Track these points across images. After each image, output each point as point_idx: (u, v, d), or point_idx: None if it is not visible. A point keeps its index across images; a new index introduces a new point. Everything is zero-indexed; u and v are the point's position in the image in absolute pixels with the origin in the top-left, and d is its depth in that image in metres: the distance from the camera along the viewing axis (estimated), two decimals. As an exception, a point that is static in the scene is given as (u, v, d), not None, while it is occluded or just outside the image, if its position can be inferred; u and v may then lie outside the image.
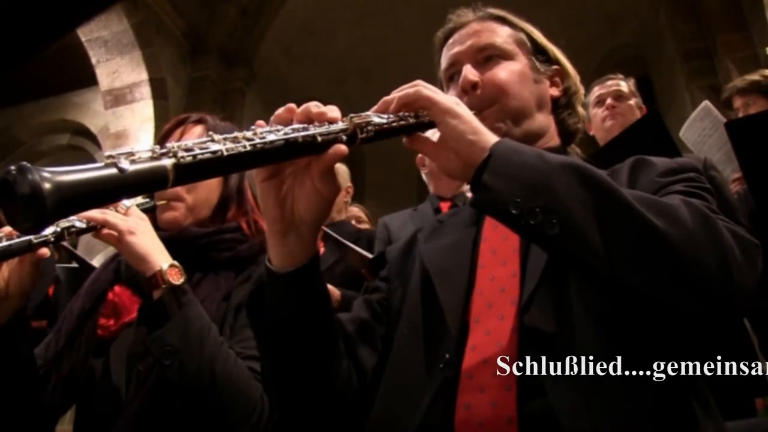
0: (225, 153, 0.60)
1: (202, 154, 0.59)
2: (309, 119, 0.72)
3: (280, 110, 0.73)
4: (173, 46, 5.90)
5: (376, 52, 7.35)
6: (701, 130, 2.18)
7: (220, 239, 1.28)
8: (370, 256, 1.75)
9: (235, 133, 0.63)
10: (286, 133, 0.67)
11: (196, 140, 0.60)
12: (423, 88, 0.80)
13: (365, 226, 2.95)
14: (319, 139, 0.69)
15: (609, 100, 2.48)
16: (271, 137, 0.65)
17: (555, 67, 1.10)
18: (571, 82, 1.11)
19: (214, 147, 0.60)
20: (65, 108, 6.53)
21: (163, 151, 0.57)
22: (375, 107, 0.81)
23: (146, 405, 1.08)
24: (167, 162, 0.56)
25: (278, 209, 0.77)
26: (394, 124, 0.78)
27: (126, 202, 1.15)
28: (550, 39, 1.14)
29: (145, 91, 5.54)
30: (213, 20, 6.29)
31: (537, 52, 1.09)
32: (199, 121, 1.38)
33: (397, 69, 6.89)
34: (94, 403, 1.17)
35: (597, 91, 2.55)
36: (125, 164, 0.53)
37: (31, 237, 1.01)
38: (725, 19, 4.95)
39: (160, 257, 1.10)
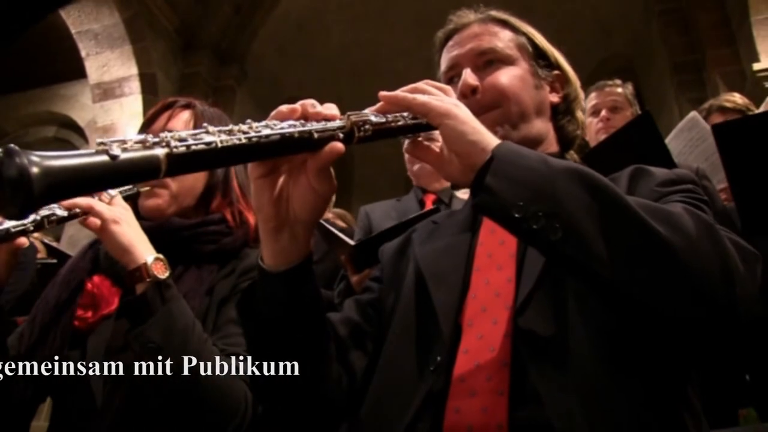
0: (219, 145, 0.59)
1: (196, 144, 0.57)
2: (305, 116, 0.71)
3: (283, 107, 0.71)
4: (165, 42, 5.84)
5: (369, 53, 7.35)
6: (688, 140, 2.19)
7: (204, 231, 1.23)
8: (352, 243, 1.76)
9: (231, 126, 0.62)
10: (282, 128, 0.65)
11: (191, 131, 0.59)
12: (418, 95, 0.78)
13: (341, 223, 3.00)
14: (316, 135, 0.68)
15: (604, 112, 2.45)
16: (266, 131, 0.64)
17: (556, 72, 1.09)
18: (572, 89, 1.10)
19: (208, 138, 0.59)
20: (53, 100, 6.45)
21: (156, 140, 0.55)
22: (374, 107, 0.79)
23: (126, 403, 1.06)
24: (160, 152, 0.55)
25: (273, 207, 0.76)
26: (392, 124, 0.77)
27: (111, 191, 1.12)
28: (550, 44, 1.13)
29: (135, 85, 5.47)
30: (206, 17, 6.24)
31: (538, 56, 1.08)
32: (186, 106, 1.33)
33: (389, 70, 6.90)
34: (71, 398, 1.14)
35: (593, 99, 2.52)
36: (117, 151, 0.52)
37: (9, 226, 0.98)
38: (715, 34, 5.00)
39: (144, 250, 1.07)
